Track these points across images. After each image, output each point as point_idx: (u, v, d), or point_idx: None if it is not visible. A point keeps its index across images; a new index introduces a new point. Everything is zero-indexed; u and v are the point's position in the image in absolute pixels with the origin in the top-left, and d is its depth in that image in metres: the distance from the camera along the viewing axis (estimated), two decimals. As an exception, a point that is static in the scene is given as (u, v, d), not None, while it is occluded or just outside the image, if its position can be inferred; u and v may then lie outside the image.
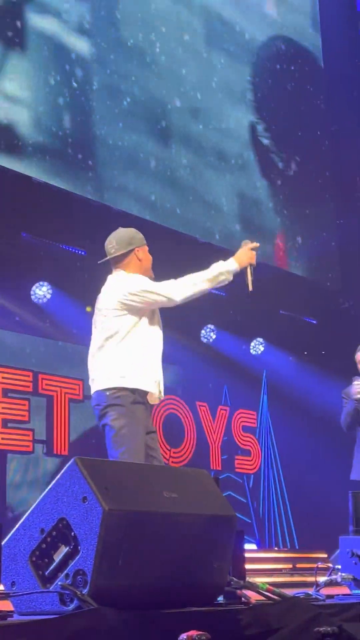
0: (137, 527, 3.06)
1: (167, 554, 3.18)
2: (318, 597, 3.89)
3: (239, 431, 10.87)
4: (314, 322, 12.26)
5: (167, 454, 9.99)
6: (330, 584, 4.22)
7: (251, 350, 11.46)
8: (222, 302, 11.05)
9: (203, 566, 3.31)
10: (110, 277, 5.08)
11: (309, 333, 12.11)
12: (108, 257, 5.06)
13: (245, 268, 5.18)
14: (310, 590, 4.11)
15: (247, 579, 3.73)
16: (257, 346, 11.51)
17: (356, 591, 3.98)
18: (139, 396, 4.83)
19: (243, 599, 3.47)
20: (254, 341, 11.49)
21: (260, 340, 11.52)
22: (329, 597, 3.98)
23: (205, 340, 10.89)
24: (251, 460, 11.00)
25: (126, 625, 2.84)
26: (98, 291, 5.11)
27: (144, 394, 4.87)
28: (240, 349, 11.29)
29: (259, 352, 11.51)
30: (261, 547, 10.47)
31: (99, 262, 5.16)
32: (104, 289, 5.05)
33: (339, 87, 13.00)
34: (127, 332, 4.86)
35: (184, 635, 2.70)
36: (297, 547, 10.75)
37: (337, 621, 3.39)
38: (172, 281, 4.97)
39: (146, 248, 5.13)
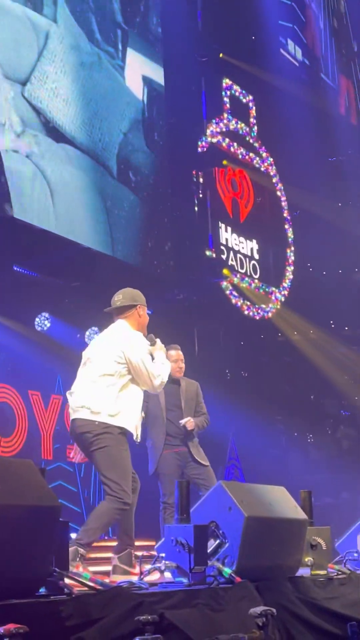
0: None
1: (-12, 546, 3.11)
2: (141, 585, 3.92)
3: (71, 420, 10.81)
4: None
5: (-3, 443, 9.82)
6: (155, 572, 4.26)
7: (86, 339, 11.40)
8: (58, 291, 10.96)
9: (24, 557, 3.26)
10: (116, 324, 5.89)
11: (144, 323, 12.18)
12: (113, 307, 5.93)
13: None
14: (135, 579, 4.13)
15: (71, 569, 3.71)
16: (92, 335, 11.46)
17: (179, 579, 4.03)
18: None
19: (65, 589, 3.45)
20: (89, 330, 11.44)
21: (95, 329, 11.47)
22: (153, 585, 4.01)
23: (39, 329, 10.75)
24: (83, 449, 10.97)
25: None
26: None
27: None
28: (74, 338, 11.22)
29: (94, 341, 11.48)
30: (91, 536, 10.44)
31: (104, 310, 5.99)
32: (106, 334, 5.90)
33: (177, 79, 13.12)
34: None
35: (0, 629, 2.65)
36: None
37: (159, 609, 3.42)
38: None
39: (145, 308, 6.03)
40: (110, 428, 5.44)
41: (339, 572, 5.04)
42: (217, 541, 4.27)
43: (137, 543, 5.63)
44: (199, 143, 14.01)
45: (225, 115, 14.83)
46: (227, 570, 4.11)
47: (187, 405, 7.70)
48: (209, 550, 4.21)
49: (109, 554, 9.13)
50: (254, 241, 15.19)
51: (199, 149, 13.99)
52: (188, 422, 7.54)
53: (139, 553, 5.03)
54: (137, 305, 5.97)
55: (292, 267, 16.24)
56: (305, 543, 4.88)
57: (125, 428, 5.51)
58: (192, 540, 4.02)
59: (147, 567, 4.23)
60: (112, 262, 11.17)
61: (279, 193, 16.30)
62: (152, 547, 5.49)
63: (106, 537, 10.59)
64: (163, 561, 4.09)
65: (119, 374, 5.58)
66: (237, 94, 15.28)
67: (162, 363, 5.80)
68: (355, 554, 5.53)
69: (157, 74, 12.58)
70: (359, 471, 15.17)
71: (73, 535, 5.00)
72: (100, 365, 5.62)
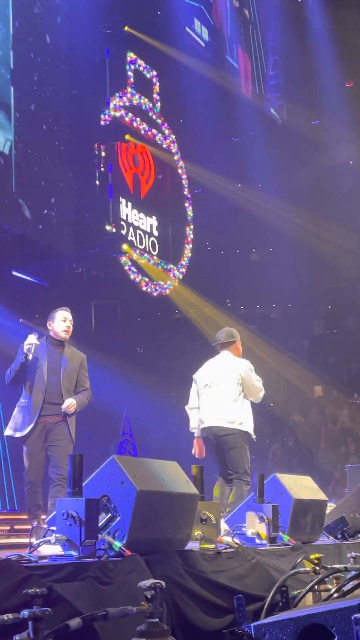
0: None
1: None
2: (31, 558, 3.89)
3: None
4: (46, 284, 12.25)
5: None
6: (45, 545, 4.25)
7: (-20, 310, 11.21)
8: None
9: None
10: (223, 355, 7.82)
11: (40, 295, 12.07)
12: (219, 342, 7.86)
13: None
14: (24, 552, 4.10)
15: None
16: (-13, 306, 11.28)
17: (69, 552, 4.02)
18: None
19: None
20: (-17, 301, 11.26)
21: (-10, 300, 11.31)
22: (42, 558, 4.00)
23: None
24: (-26, 422, 10.83)
25: None
26: None
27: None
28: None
29: (-11, 313, 11.30)
30: (-20, 509, 10.36)
31: (212, 343, 7.97)
32: (222, 362, 7.76)
33: (81, 50, 12.94)
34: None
35: None
36: (16, 509, 10.74)
37: (48, 582, 3.41)
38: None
39: (239, 342, 7.94)
40: (240, 432, 7.47)
41: (228, 546, 5.13)
42: (109, 515, 4.28)
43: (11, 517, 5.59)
44: (102, 116, 13.89)
45: (129, 89, 14.74)
46: (117, 544, 4.13)
47: (65, 374, 7.14)
48: (100, 524, 4.22)
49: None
50: (154, 218, 15.21)
51: (102, 122, 13.88)
52: (69, 406, 7.02)
53: (29, 526, 4.99)
54: (236, 340, 7.91)
55: (191, 245, 16.34)
56: (195, 517, 4.95)
57: (248, 432, 7.55)
58: (83, 513, 4.02)
59: (39, 540, 4.21)
60: (7, 231, 11.02)
61: (179, 171, 16.34)
62: (23, 520, 5.47)
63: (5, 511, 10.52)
64: (53, 534, 4.08)
65: (239, 392, 7.55)
66: (141, 68, 15.19)
67: (258, 380, 7.66)
68: (244, 528, 5.64)
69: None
70: (251, 448, 15.45)
71: None
72: (226, 387, 7.57)
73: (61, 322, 7.25)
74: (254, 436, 7.65)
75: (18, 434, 6.96)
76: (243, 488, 7.31)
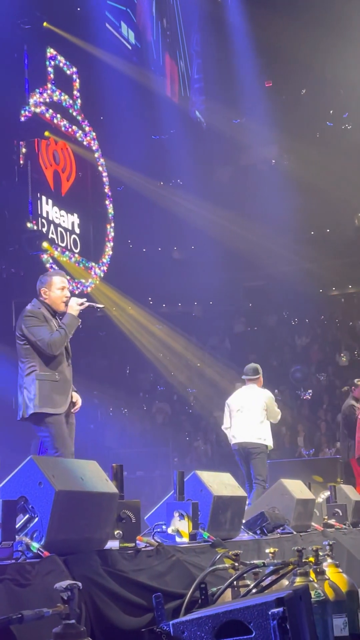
0: None
1: None
2: None
3: None
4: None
5: None
6: None
7: None
8: None
9: None
10: (250, 386, 9.88)
11: None
12: (247, 377, 9.90)
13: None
14: None
15: None
16: None
17: (-15, 554, 3.97)
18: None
19: None
20: None
21: None
22: None
23: None
24: None
25: None
26: None
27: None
28: None
29: None
30: None
31: (242, 377, 9.96)
32: (250, 392, 9.83)
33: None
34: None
35: None
36: None
37: None
38: None
39: (262, 375, 9.96)
40: (264, 446, 9.57)
41: (147, 545, 5.13)
42: (27, 516, 4.24)
43: None
44: (22, 112, 13.74)
45: (49, 85, 14.61)
46: (35, 545, 4.09)
47: (69, 349, 6.40)
48: (17, 525, 4.17)
49: None
50: (75, 215, 15.12)
51: (22, 118, 13.73)
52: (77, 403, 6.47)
53: None
54: (260, 375, 9.92)
55: (112, 243, 16.30)
56: (114, 516, 4.93)
57: (269, 445, 9.64)
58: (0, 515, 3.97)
59: None
60: None
61: (100, 168, 16.28)
62: None
63: None
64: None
65: (264, 415, 9.61)
66: (61, 64, 15.08)
67: (277, 406, 9.86)
68: (164, 526, 5.65)
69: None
70: (173, 445, 15.51)
71: None
72: (255, 412, 9.62)
73: (59, 291, 6.32)
74: (271, 447, 9.73)
75: (57, 410, 6.18)
76: (260, 490, 9.18)
